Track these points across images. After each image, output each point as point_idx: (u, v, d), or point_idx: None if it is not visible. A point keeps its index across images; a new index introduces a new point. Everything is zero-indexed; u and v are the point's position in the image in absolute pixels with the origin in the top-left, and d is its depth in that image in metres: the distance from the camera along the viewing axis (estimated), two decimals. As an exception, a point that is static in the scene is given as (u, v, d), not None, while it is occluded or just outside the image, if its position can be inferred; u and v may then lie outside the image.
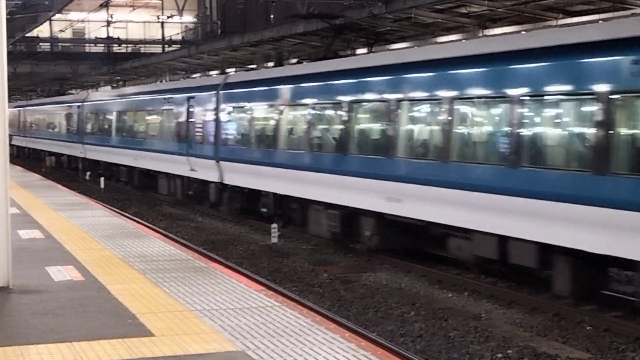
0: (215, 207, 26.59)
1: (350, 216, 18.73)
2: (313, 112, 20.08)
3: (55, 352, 7.26)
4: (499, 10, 22.09)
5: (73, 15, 55.26)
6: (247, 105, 23.40)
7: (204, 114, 25.92)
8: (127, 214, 23.27)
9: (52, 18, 41.70)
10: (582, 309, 13.50)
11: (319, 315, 9.32)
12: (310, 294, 15.44)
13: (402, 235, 17.54)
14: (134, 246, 13.15)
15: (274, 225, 21.06)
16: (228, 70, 39.04)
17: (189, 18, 63.24)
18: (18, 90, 72.83)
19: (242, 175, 23.45)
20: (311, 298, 14.93)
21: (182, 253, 12.68)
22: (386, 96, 17.09)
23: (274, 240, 20.78)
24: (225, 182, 24.76)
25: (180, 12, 59.07)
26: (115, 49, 52.91)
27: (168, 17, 51.83)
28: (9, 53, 11.19)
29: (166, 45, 49.50)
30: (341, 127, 18.78)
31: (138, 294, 9.61)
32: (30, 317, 8.49)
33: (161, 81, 46.91)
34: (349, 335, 7.96)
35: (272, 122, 22.01)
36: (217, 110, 24.96)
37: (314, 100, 20.01)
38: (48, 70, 52.11)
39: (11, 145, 60.49)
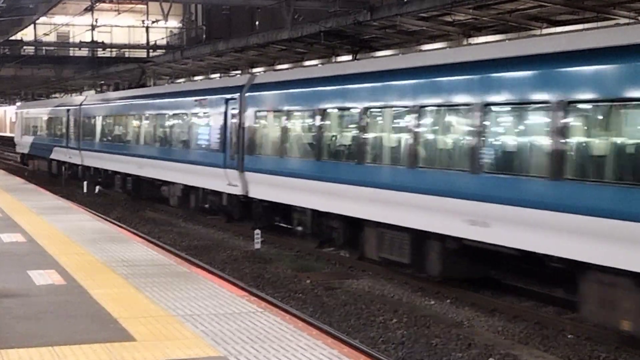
0: None
1: None
2: None
3: (36, 356, 7.23)
4: (484, 19, 22.21)
5: (58, 19, 55.13)
6: None
7: None
8: (110, 219, 23.19)
9: (37, 21, 41.48)
10: (563, 317, 13.57)
11: (302, 322, 9.32)
12: (293, 300, 15.44)
13: None
14: (116, 251, 13.12)
15: (257, 231, 21.03)
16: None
17: (174, 23, 63.19)
18: (1, 94, 72.52)
19: None
20: (294, 304, 14.92)
21: (164, 258, 12.65)
22: None
23: (257, 246, 20.76)
24: None
25: (165, 17, 58.86)
26: (100, 53, 52.79)
27: (153, 22, 51.69)
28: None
29: (151, 50, 49.37)
30: None
31: (120, 298, 9.59)
32: (11, 321, 8.45)
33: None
34: (331, 341, 7.96)
35: None
36: None
37: None
38: (32, 74, 51.60)
39: (48, 160, 43.76)
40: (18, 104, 66.27)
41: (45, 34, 48.34)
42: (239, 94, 22.76)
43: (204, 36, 52.90)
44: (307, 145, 19.47)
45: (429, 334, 13.04)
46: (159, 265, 11.96)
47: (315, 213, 19.31)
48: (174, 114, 27.48)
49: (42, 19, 43.56)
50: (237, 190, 22.62)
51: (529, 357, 11.94)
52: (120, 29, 62.35)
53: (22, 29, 40.45)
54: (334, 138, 18.60)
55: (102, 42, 50.39)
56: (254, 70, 36.36)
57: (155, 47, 49.99)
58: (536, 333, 13.16)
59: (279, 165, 20.30)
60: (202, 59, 37.74)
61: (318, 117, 18.70)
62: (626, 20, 19.27)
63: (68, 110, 40.02)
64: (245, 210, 23.18)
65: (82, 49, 53.31)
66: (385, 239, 16.62)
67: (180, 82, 41.25)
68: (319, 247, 20.25)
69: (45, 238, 14.32)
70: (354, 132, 17.46)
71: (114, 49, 54.07)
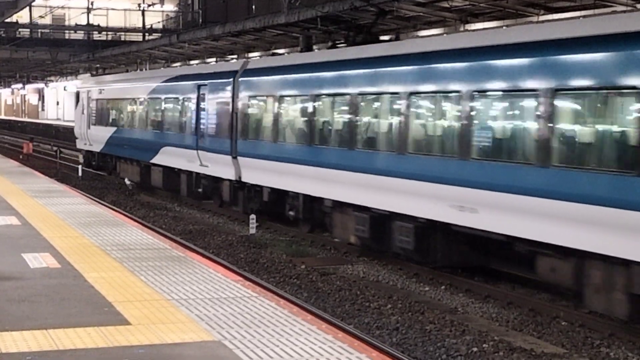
0: None
1: None
2: None
3: (30, 339, 7.22)
4: (481, 5, 22.16)
5: (53, 1, 54.97)
6: None
7: None
8: (104, 202, 23.18)
9: (32, 4, 41.28)
10: (557, 304, 13.59)
11: (296, 307, 9.31)
12: (288, 285, 15.45)
13: None
14: (111, 234, 13.10)
15: (252, 216, 21.02)
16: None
17: (170, 7, 63.05)
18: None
19: None
20: (288, 289, 14.94)
21: (159, 242, 12.64)
22: None
23: (252, 231, 20.75)
24: None
25: (162, 1, 58.85)
26: (96, 36, 52.65)
27: (149, 6, 51.62)
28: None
29: (147, 34, 49.23)
30: None
31: (115, 282, 9.58)
32: (5, 304, 8.44)
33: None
34: (326, 326, 7.96)
35: None
36: None
37: None
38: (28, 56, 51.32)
39: (144, 166, 28.98)
40: (77, 81, 50.86)
41: (41, 17, 48.19)
42: None
43: (200, 20, 52.76)
44: None
45: (424, 320, 13.06)
46: (154, 249, 11.95)
47: None
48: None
49: (38, 1, 43.39)
50: None
51: (523, 344, 11.95)
52: (116, 12, 62.17)
53: (18, 11, 40.26)
54: None
55: (98, 25, 50.23)
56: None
57: (151, 30, 49.85)
58: (530, 320, 13.19)
59: None
60: (198, 43, 37.61)
61: None
62: (623, 8, 19.23)
63: (200, 86, 24.55)
64: None
65: (77, 31, 53.17)
66: None
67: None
68: None
69: (40, 221, 14.30)
70: None
71: (109, 32, 53.91)
